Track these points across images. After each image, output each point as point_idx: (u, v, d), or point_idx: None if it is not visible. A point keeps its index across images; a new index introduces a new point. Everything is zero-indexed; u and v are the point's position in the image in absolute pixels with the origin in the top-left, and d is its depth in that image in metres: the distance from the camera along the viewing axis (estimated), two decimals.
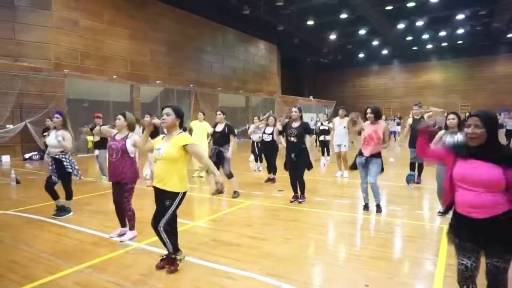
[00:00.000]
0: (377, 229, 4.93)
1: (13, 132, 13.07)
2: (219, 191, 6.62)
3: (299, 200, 6.14)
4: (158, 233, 3.38)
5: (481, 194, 2.10)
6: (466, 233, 2.22)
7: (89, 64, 15.69)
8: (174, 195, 3.34)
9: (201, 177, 8.91)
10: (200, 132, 8.77)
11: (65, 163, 5.34)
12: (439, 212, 5.21)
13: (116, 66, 16.85)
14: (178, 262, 3.43)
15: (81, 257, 3.78)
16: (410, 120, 7.62)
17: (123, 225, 4.48)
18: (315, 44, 31.28)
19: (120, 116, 4.42)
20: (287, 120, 6.60)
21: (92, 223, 5.10)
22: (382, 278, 3.31)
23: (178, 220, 5.22)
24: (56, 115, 5.46)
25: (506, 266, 2.13)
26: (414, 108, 7.53)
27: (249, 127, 11.06)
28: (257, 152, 9.96)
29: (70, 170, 5.39)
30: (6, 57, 13.14)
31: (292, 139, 5.97)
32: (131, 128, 4.42)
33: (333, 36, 28.39)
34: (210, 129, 8.77)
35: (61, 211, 5.44)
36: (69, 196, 5.52)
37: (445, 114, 5.24)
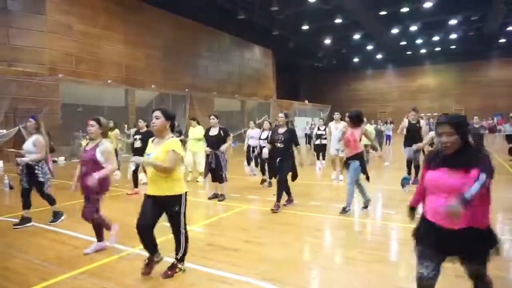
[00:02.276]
0: (373, 232, 4.95)
1: (6, 137, 12.96)
2: (215, 196, 6.64)
3: (285, 203, 6.10)
4: (177, 238, 3.39)
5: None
6: (433, 241, 2.14)
7: (83, 68, 15.64)
8: (177, 198, 3.28)
9: (197, 181, 8.89)
10: (197, 138, 8.81)
11: (36, 171, 5.03)
12: None
13: (111, 70, 16.82)
14: (177, 270, 3.38)
15: (75, 263, 3.74)
16: (405, 123, 7.66)
17: (99, 239, 4.17)
18: (310, 49, 31.45)
19: (93, 122, 3.97)
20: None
21: (87, 228, 5.03)
22: (378, 281, 3.31)
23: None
24: (30, 119, 5.19)
25: (483, 269, 2.17)
26: (412, 113, 7.61)
27: (245, 132, 11.02)
28: (252, 158, 9.85)
29: (42, 180, 5.09)
30: (0, 62, 13.06)
31: (278, 145, 5.88)
32: (104, 135, 4.06)
33: (328, 41, 28.57)
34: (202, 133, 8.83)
35: (55, 217, 5.34)
36: (51, 202, 5.27)
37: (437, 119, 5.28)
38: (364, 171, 5.69)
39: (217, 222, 5.45)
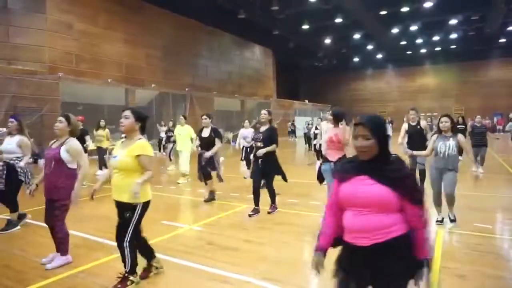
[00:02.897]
0: None
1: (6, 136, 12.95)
2: (211, 199, 6.46)
3: (269, 211, 5.68)
4: (122, 251, 3.13)
5: (371, 215, 1.72)
6: (350, 264, 1.82)
7: (84, 67, 15.63)
8: (134, 205, 3.07)
9: (178, 183, 8.67)
10: (183, 137, 8.73)
11: (18, 170, 4.87)
12: (437, 220, 4.84)
13: (111, 69, 16.81)
14: (128, 283, 3.12)
15: (75, 262, 3.74)
16: (405, 126, 6.91)
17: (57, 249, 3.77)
18: (310, 48, 31.45)
19: (61, 119, 3.72)
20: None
21: (87, 227, 5.05)
22: None
23: (173, 223, 5.18)
24: (11, 119, 5.01)
25: None
26: (411, 113, 6.77)
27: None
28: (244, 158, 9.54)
29: (22, 179, 4.90)
30: (0, 60, 13.06)
31: (258, 144, 5.52)
32: (73, 134, 3.77)
33: (328, 41, 28.58)
34: (193, 134, 8.58)
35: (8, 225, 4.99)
36: (14, 208, 5.02)
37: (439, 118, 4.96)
38: None
39: (217, 221, 5.45)
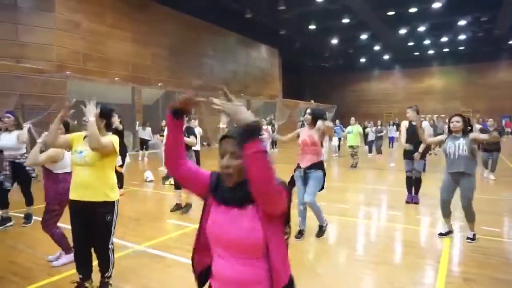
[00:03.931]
0: (378, 234, 4.91)
1: None
2: (178, 207, 6.07)
3: None
4: (106, 256, 2.94)
5: (237, 262, 1.32)
6: None
7: (91, 66, 15.73)
8: (111, 205, 2.88)
9: (172, 184, 8.52)
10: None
11: (28, 168, 4.87)
12: (439, 233, 4.51)
13: (118, 68, 16.91)
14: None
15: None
16: (406, 123, 6.63)
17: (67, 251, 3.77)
18: (317, 49, 31.36)
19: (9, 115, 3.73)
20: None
21: None
22: (383, 283, 3.29)
23: (180, 222, 5.18)
24: (7, 115, 4.95)
25: None
26: (408, 111, 6.13)
27: None
28: None
29: (34, 175, 4.96)
30: (8, 58, 13.17)
31: None
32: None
33: (334, 41, 28.47)
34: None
35: (26, 218, 5.13)
36: (30, 201, 5.16)
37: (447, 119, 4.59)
38: (322, 186, 4.44)
39: None
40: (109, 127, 3.00)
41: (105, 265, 2.98)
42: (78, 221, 2.90)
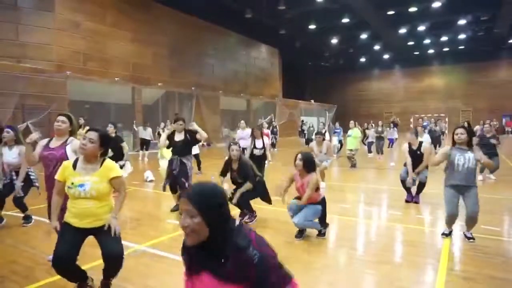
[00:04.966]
0: (378, 233, 4.92)
1: None
2: (178, 207, 6.12)
3: (246, 220, 5.18)
4: (119, 263, 2.91)
5: None
6: None
7: (91, 66, 15.74)
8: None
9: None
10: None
11: (32, 177, 4.96)
12: (443, 233, 4.50)
13: (118, 68, 16.91)
14: None
15: (82, 259, 3.73)
16: (406, 147, 6.52)
17: None
18: (317, 48, 31.38)
19: (64, 119, 3.57)
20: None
21: None
22: (383, 282, 3.30)
23: (179, 222, 5.19)
24: (7, 129, 4.82)
25: None
26: (407, 134, 6.57)
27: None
28: None
29: (37, 185, 4.97)
30: (8, 58, 13.19)
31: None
32: (72, 133, 3.64)
33: (334, 41, 28.47)
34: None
35: (25, 219, 5.21)
36: (25, 209, 5.19)
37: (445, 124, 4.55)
38: (323, 220, 4.48)
39: None
40: (104, 154, 2.91)
41: (116, 270, 2.97)
42: (72, 237, 2.82)
